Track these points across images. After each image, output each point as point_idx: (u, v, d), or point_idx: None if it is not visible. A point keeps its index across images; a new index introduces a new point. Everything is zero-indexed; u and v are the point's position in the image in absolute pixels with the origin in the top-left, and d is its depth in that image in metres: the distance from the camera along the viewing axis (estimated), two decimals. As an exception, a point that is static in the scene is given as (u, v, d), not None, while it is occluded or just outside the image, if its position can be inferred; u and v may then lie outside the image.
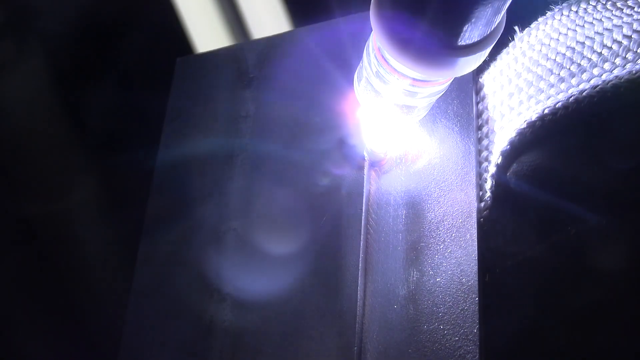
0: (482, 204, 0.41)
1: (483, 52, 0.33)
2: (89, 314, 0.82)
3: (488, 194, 0.41)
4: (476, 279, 0.39)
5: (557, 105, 0.39)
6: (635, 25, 0.39)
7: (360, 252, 0.43)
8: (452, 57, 0.33)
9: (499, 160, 0.41)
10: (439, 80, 0.36)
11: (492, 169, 0.41)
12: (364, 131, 0.46)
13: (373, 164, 0.46)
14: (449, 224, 0.42)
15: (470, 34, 0.32)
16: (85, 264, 0.85)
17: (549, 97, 0.40)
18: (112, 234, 0.87)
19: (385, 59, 0.36)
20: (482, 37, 0.33)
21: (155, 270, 0.51)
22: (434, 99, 0.39)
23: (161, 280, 0.50)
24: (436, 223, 0.42)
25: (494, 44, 0.34)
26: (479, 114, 0.45)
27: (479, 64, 0.35)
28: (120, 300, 0.52)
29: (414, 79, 0.36)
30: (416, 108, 0.40)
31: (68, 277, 0.83)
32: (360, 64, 0.40)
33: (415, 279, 0.41)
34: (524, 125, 0.40)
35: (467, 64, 0.34)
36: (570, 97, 0.38)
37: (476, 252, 0.40)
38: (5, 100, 0.87)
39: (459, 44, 0.32)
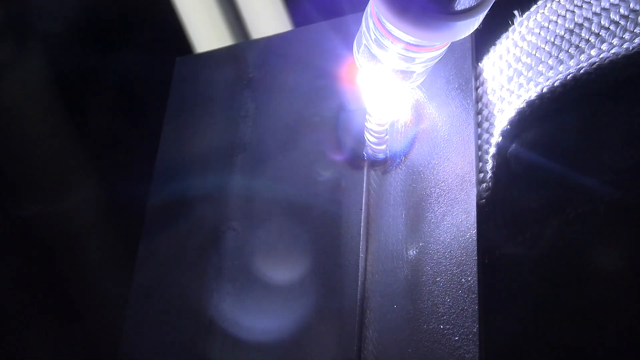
0: (484, 185, 0.41)
1: (478, 17, 0.35)
2: (89, 314, 0.82)
3: (489, 174, 0.41)
4: (476, 278, 0.39)
5: (555, 84, 0.39)
6: (632, 4, 0.39)
7: (360, 252, 0.43)
8: (448, 21, 0.34)
9: (500, 140, 0.41)
10: (435, 45, 0.37)
11: (492, 150, 0.41)
12: (364, 97, 0.46)
13: (373, 164, 0.46)
14: (448, 223, 0.41)
15: None
16: (85, 264, 0.85)
17: (548, 79, 0.40)
18: (112, 234, 0.87)
19: (382, 23, 0.36)
20: (477, 2, 0.34)
21: (155, 270, 0.51)
22: (431, 64, 0.40)
23: (161, 280, 0.50)
24: (436, 222, 0.42)
25: (494, 27, 0.35)
26: (479, 98, 0.45)
27: (474, 29, 0.36)
28: (120, 300, 0.52)
29: (408, 43, 0.37)
30: (414, 73, 0.40)
31: (68, 277, 0.83)
32: (360, 29, 0.40)
33: (414, 278, 0.41)
34: (523, 105, 0.40)
35: (463, 29, 0.35)
36: (568, 75, 0.39)
37: (476, 251, 0.40)
38: (6, 100, 0.87)
39: (455, 8, 0.34)
